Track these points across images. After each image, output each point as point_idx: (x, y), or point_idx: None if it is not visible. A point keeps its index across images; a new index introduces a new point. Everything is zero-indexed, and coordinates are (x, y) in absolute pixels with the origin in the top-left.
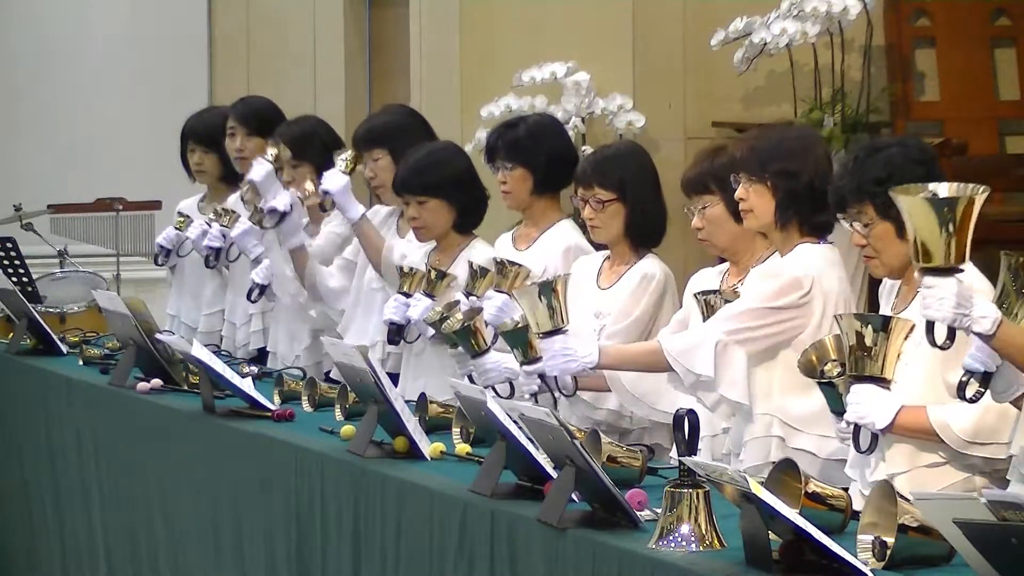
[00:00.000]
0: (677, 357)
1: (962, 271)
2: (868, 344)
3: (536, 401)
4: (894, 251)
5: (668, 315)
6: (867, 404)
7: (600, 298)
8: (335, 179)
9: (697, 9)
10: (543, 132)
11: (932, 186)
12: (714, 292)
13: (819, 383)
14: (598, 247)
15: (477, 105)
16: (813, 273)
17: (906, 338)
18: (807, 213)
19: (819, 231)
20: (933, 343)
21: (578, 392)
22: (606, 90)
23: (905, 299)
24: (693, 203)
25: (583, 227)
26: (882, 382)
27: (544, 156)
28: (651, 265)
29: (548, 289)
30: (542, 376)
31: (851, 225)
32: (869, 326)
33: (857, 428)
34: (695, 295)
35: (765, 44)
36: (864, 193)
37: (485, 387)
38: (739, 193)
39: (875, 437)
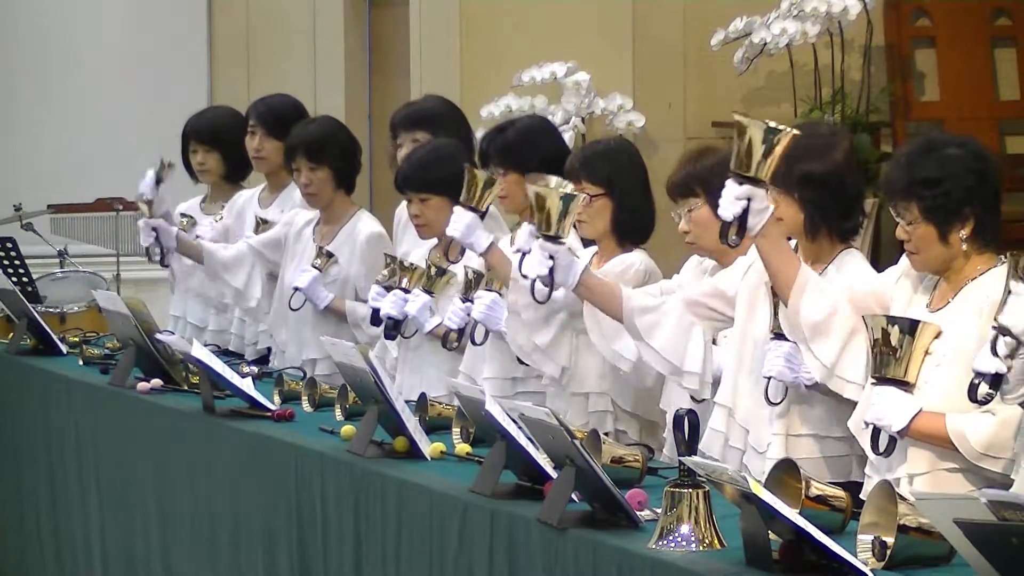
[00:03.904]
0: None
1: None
2: (894, 345)
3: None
4: (935, 253)
5: None
6: (886, 406)
7: None
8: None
9: (697, 9)
10: (533, 135)
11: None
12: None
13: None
14: (587, 243)
15: (477, 105)
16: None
17: (934, 339)
18: (835, 221)
19: (849, 236)
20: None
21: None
22: (606, 90)
23: (944, 297)
24: (679, 207)
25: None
26: (904, 385)
27: (536, 159)
28: (634, 256)
29: (569, 199)
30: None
31: (896, 218)
32: (896, 327)
33: (876, 430)
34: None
35: (765, 44)
36: (911, 194)
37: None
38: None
39: (892, 440)
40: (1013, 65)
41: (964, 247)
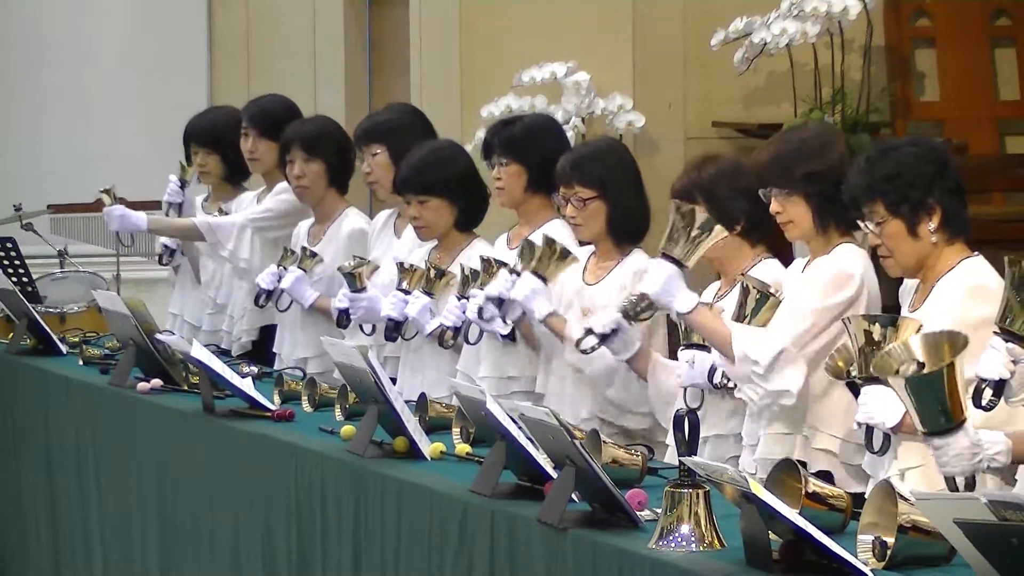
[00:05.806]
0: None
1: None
2: (877, 342)
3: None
4: (907, 249)
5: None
6: (876, 404)
7: (586, 293)
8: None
9: (697, 9)
10: (540, 131)
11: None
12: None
13: (847, 383)
14: (583, 245)
15: (477, 105)
16: (861, 272)
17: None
18: (842, 212)
19: (854, 227)
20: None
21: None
22: (606, 90)
23: (923, 296)
24: None
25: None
26: None
27: (539, 155)
28: (643, 261)
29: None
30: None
31: (865, 225)
32: (877, 325)
33: (869, 429)
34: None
35: (765, 44)
36: (874, 191)
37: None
38: (774, 207)
39: (887, 437)
40: (1013, 65)
41: (934, 239)
